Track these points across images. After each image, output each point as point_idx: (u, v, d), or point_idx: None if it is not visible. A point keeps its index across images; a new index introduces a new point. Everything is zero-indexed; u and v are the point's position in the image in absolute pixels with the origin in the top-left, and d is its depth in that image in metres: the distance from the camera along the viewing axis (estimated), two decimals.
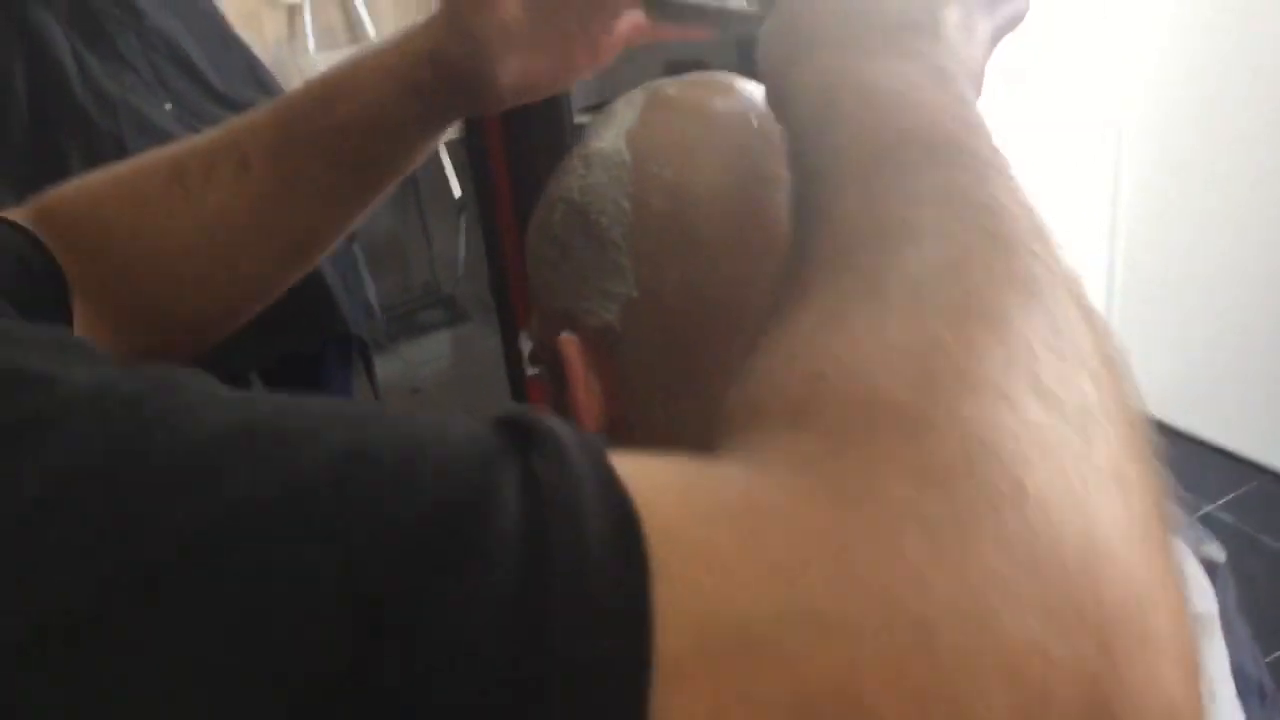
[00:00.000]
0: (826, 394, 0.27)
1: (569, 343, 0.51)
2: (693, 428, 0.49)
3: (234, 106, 2.05)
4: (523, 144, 1.66)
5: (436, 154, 3.76)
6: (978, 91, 0.40)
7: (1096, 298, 2.25)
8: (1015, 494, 0.25)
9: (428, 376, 2.93)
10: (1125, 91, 2.37)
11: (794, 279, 0.33)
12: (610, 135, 0.54)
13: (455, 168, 3.71)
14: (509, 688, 0.23)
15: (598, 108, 1.72)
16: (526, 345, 1.77)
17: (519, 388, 1.85)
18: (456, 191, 3.70)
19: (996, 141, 0.35)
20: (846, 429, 0.26)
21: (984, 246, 0.30)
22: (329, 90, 0.60)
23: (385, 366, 2.32)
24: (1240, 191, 2.24)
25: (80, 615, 0.23)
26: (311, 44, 3.28)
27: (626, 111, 0.55)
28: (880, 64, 0.38)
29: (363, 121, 0.59)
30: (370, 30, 3.81)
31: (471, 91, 0.59)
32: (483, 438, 0.27)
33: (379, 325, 2.09)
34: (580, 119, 1.56)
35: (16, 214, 0.59)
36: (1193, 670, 0.25)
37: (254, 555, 0.24)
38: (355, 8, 3.79)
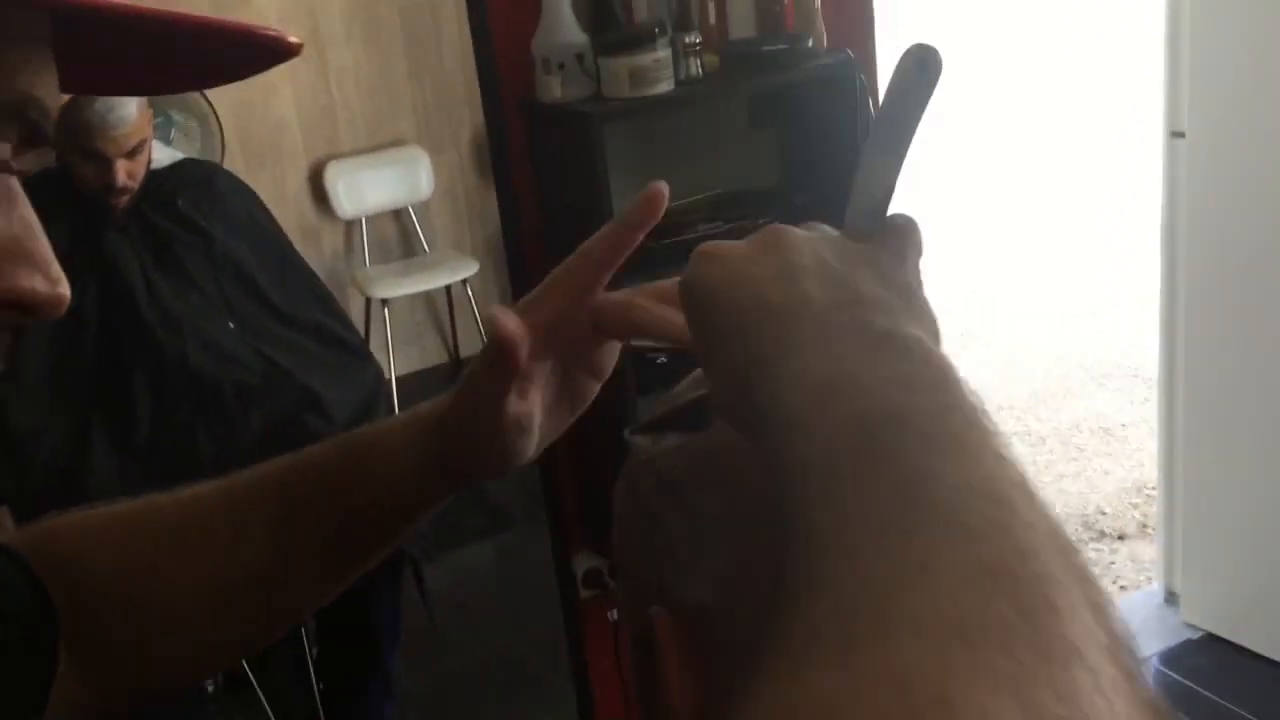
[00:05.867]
0: None
1: (660, 618, 0.48)
2: None
3: (294, 324, 2.12)
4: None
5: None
6: (937, 339, 0.39)
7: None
8: None
9: (474, 588, 2.82)
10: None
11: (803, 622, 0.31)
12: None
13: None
14: None
15: None
16: (580, 565, 1.69)
17: (571, 610, 1.73)
18: None
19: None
20: None
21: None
22: (337, 480, 0.60)
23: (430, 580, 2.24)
24: None
25: None
26: (367, 257, 3.41)
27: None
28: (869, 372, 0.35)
29: (370, 512, 0.60)
30: (424, 244, 3.95)
31: (477, 456, 0.59)
32: None
33: (426, 536, 2.07)
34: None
35: (18, 536, 0.60)
36: None
37: None
38: (410, 220, 3.95)
